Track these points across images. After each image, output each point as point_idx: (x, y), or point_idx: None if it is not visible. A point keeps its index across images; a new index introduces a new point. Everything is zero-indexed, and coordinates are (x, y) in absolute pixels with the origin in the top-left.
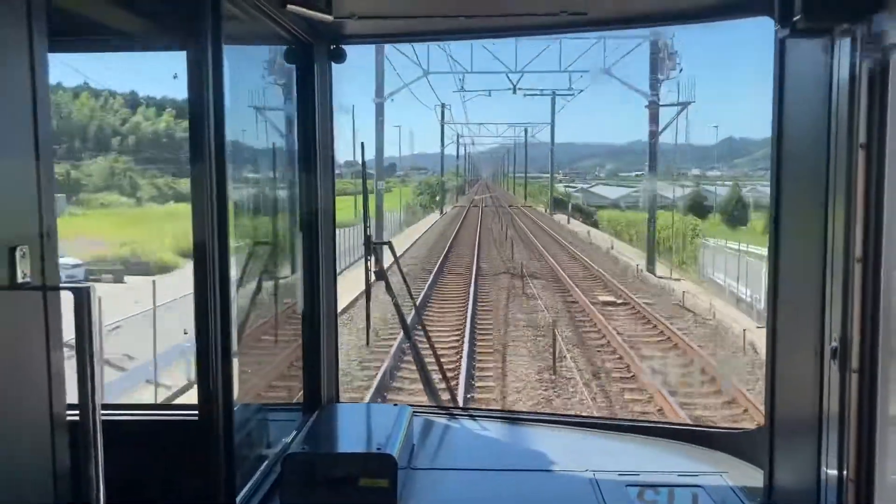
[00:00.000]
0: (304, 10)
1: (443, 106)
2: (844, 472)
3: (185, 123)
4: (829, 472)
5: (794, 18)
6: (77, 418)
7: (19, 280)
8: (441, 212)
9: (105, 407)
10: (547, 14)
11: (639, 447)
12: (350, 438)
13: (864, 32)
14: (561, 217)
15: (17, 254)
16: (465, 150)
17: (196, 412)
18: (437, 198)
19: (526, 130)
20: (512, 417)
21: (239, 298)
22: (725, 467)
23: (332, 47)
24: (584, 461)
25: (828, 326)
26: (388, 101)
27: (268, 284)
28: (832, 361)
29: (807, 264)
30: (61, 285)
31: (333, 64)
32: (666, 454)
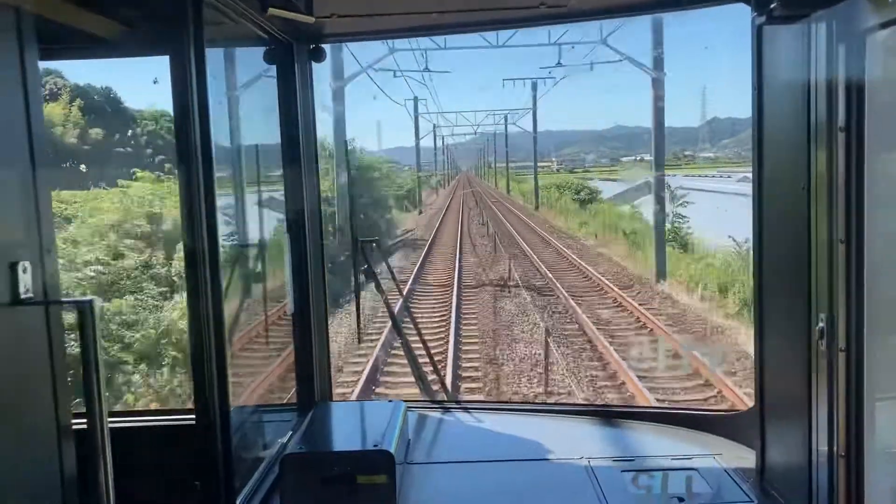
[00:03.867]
0: (285, 13)
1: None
2: (835, 448)
3: None
4: (821, 448)
5: (771, 6)
6: (84, 426)
7: (22, 296)
8: None
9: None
10: (526, 7)
11: (632, 433)
12: (346, 436)
13: (840, 17)
14: None
15: (19, 269)
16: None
17: (192, 416)
18: None
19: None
20: (505, 408)
21: (229, 301)
22: (719, 449)
23: (311, 46)
24: (579, 449)
25: (814, 307)
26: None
27: (257, 285)
28: (819, 342)
29: (791, 247)
30: (61, 299)
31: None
32: (659, 438)
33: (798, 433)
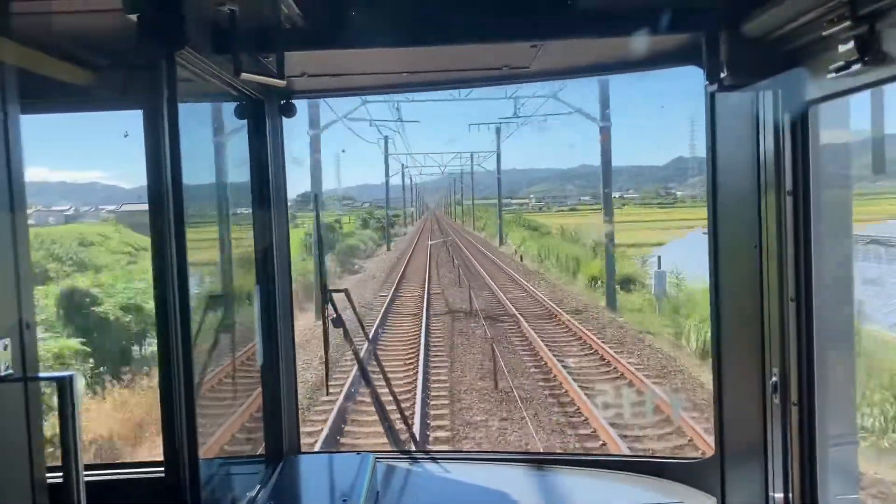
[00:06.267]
0: (257, 77)
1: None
2: (790, 496)
3: None
4: (777, 495)
5: (721, 76)
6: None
7: (2, 373)
8: None
9: None
10: (490, 68)
11: (597, 481)
12: (315, 491)
13: (786, 87)
14: None
15: (0, 347)
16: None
17: (162, 469)
18: None
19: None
20: (472, 458)
21: (198, 353)
22: (680, 497)
23: (282, 102)
24: (546, 500)
25: (767, 362)
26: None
27: (226, 337)
28: (773, 395)
29: (745, 303)
30: (42, 375)
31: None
32: (624, 487)
33: (756, 481)
